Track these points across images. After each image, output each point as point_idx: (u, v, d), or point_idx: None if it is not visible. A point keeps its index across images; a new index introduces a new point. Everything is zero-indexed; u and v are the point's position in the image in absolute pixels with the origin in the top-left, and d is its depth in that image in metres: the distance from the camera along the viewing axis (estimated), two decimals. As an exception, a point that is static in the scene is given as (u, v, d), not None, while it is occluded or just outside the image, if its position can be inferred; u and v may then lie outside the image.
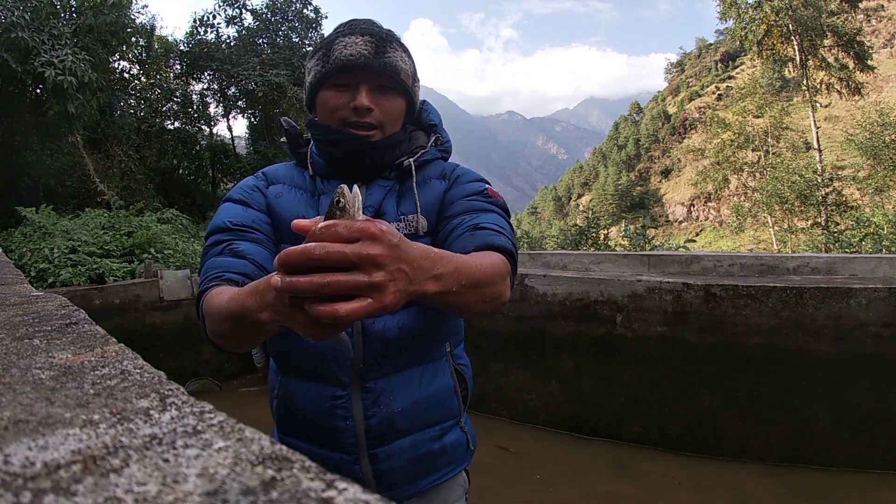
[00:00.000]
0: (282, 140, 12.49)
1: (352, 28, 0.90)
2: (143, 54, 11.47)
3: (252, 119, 13.21)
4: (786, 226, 16.79)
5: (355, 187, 0.53)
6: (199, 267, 0.88)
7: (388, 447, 0.88)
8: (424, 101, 1.04)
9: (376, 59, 0.86)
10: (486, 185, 0.95)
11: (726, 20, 19.58)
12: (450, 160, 1.03)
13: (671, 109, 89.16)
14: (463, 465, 0.99)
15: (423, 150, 0.96)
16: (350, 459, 0.87)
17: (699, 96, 78.61)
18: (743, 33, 18.56)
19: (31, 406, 0.36)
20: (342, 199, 0.51)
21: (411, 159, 0.94)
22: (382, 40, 0.88)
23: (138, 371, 0.45)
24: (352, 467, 0.87)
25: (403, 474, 0.89)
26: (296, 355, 0.91)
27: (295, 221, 0.52)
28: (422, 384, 0.91)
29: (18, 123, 7.73)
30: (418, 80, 0.96)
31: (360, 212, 0.52)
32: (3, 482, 0.24)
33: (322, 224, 0.49)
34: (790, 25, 17.40)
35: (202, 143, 13.09)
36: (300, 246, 0.48)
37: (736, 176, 21.59)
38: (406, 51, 0.92)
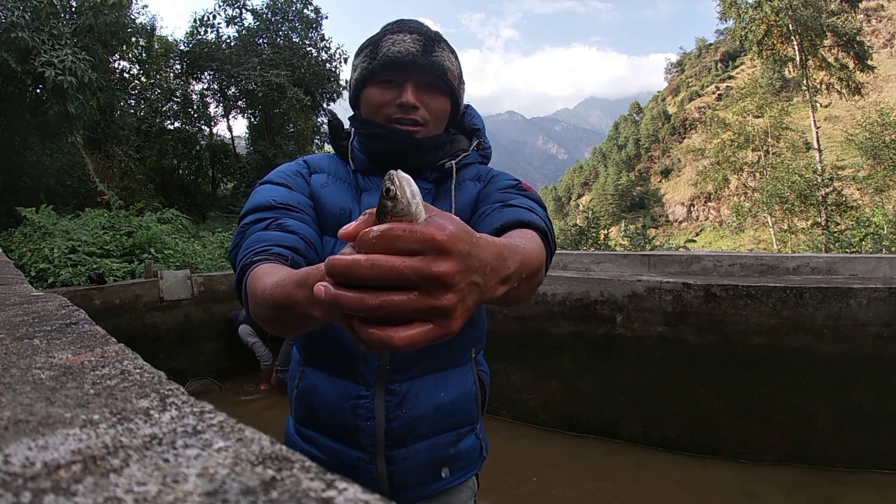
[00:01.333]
0: (289, 137, 12.50)
1: (400, 26, 0.89)
2: (143, 54, 11.47)
3: (252, 119, 13.21)
4: (786, 226, 16.79)
5: (408, 180, 0.43)
6: (231, 246, 0.81)
7: (406, 450, 0.88)
8: (468, 105, 1.04)
9: (424, 57, 0.85)
10: (520, 181, 0.95)
11: (726, 20, 19.60)
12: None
13: (671, 109, 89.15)
14: (474, 470, 0.99)
15: (465, 154, 0.96)
16: (367, 459, 0.87)
17: (699, 96, 78.60)
18: (743, 33, 18.57)
19: (31, 406, 0.36)
20: (392, 187, 0.42)
21: (453, 161, 0.94)
22: (431, 39, 0.88)
23: (138, 371, 0.45)
24: (368, 466, 0.87)
25: (417, 476, 0.90)
26: (326, 349, 0.90)
27: (341, 230, 0.44)
28: (446, 389, 0.91)
29: (18, 123, 7.72)
30: (464, 83, 0.95)
31: (416, 199, 0.41)
32: (3, 482, 0.24)
33: (376, 229, 0.39)
34: (790, 25, 17.41)
35: (202, 143, 13.10)
36: (348, 257, 0.40)
37: (736, 176, 21.60)
38: (453, 52, 0.91)
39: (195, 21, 13.00)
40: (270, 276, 0.63)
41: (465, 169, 0.97)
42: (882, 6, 60.29)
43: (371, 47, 0.88)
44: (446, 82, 0.88)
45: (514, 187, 0.91)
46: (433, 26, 0.96)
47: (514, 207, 0.80)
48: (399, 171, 0.43)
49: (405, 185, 0.41)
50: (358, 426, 0.86)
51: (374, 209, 0.43)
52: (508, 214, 0.78)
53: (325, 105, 13.76)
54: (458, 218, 0.42)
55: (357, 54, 0.93)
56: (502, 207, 0.81)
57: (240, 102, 13.13)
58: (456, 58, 0.92)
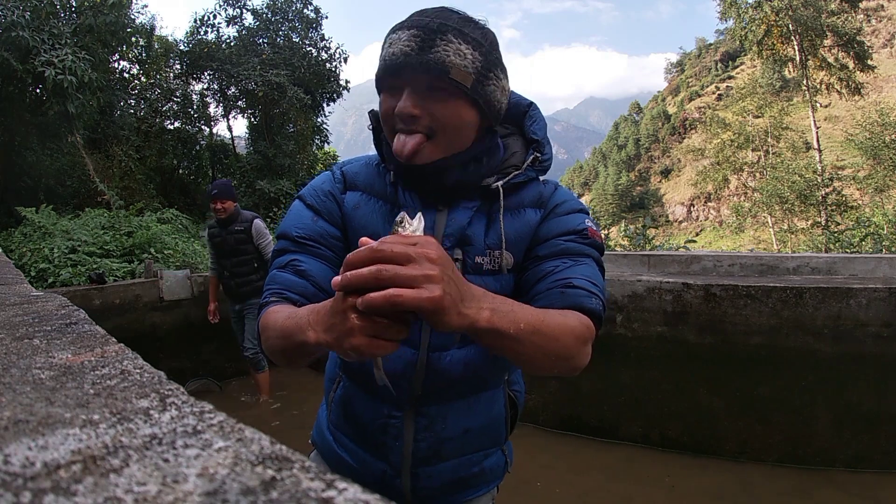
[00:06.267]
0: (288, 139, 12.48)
1: (408, 19, 0.75)
2: (143, 54, 11.46)
3: (252, 119, 13.20)
4: (786, 226, 16.80)
5: (419, 216, 0.59)
6: (271, 264, 0.87)
7: (431, 468, 0.88)
8: (531, 104, 0.88)
9: (420, 55, 0.71)
10: (587, 223, 0.83)
11: (726, 20, 19.60)
12: None
13: (671, 109, 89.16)
14: (497, 482, 0.99)
15: (516, 172, 0.82)
16: (393, 473, 0.88)
17: (699, 96, 78.61)
18: (743, 33, 18.58)
19: (31, 406, 0.36)
20: (404, 221, 0.58)
21: (500, 182, 0.80)
22: (432, 32, 0.71)
23: (138, 371, 0.45)
24: (393, 480, 0.89)
25: (440, 492, 0.90)
26: (360, 368, 0.88)
27: (363, 239, 0.55)
28: (475, 414, 0.89)
29: (18, 123, 7.72)
30: (495, 78, 0.76)
31: (418, 232, 0.58)
32: (3, 482, 0.24)
33: (386, 237, 0.54)
34: (790, 25, 17.41)
35: (202, 143, 13.09)
36: (366, 246, 0.52)
37: (736, 176, 21.60)
38: (471, 42, 0.73)
39: (195, 21, 13.00)
40: (282, 312, 0.72)
41: (524, 189, 0.84)
42: (882, 6, 60.28)
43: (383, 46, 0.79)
44: (451, 82, 0.71)
45: (580, 234, 0.81)
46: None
47: (576, 290, 0.74)
48: (407, 215, 0.59)
49: (416, 224, 0.58)
50: (386, 443, 0.87)
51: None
52: (570, 299, 0.73)
53: (325, 105, 13.77)
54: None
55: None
56: (564, 289, 0.74)
57: (240, 102, 13.12)
58: (476, 48, 0.73)
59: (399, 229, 0.57)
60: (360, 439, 0.91)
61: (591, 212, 0.96)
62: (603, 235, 0.80)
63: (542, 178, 0.88)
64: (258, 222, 3.70)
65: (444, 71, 0.71)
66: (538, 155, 0.85)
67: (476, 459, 0.91)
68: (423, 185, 0.80)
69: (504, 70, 0.78)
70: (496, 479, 0.98)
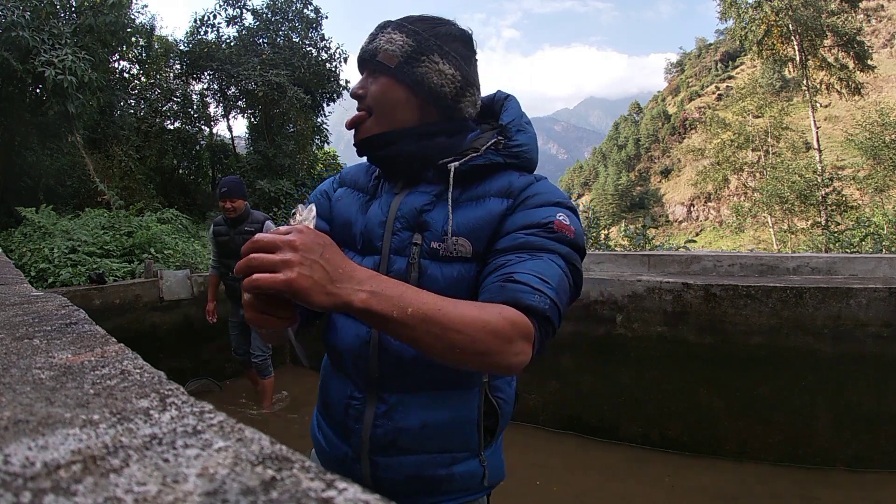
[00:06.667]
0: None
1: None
2: (143, 54, 11.45)
3: (252, 119, 13.19)
4: (786, 226, 16.80)
5: (309, 208, 0.68)
6: None
7: (390, 459, 0.86)
8: (508, 96, 0.93)
9: (365, 48, 0.85)
10: (556, 216, 0.78)
11: (726, 20, 19.59)
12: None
13: (671, 109, 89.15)
14: (477, 496, 0.91)
15: (473, 154, 0.83)
16: (353, 457, 0.88)
17: (699, 96, 78.60)
18: (743, 33, 18.57)
19: (31, 406, 0.36)
20: (296, 213, 0.68)
21: (455, 163, 0.82)
22: (379, 29, 0.86)
23: (138, 371, 0.45)
24: (354, 465, 0.88)
25: (403, 488, 0.87)
26: (331, 348, 0.93)
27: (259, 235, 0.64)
28: (438, 409, 0.85)
29: (18, 123, 7.71)
30: (428, 61, 0.82)
31: (312, 224, 0.66)
32: (3, 482, 0.24)
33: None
34: (790, 25, 17.41)
35: (202, 143, 13.08)
36: (251, 238, 0.61)
37: (736, 176, 21.60)
38: (404, 30, 0.83)
39: (195, 21, 12.98)
40: None
41: (494, 178, 0.84)
42: (882, 6, 60.27)
43: None
44: (377, 63, 0.83)
45: (544, 227, 0.77)
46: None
47: (516, 285, 0.70)
48: (302, 206, 0.69)
49: (306, 215, 0.67)
50: (348, 425, 0.88)
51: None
52: (507, 294, 0.70)
53: (325, 105, 13.77)
54: (319, 236, 0.61)
55: None
56: (505, 283, 0.71)
57: (240, 102, 13.11)
58: (409, 34, 0.82)
59: (292, 220, 0.66)
60: (331, 420, 0.93)
61: (578, 208, 0.94)
62: (575, 230, 0.71)
63: (536, 174, 0.88)
64: (269, 224, 3.59)
65: (374, 55, 0.83)
66: (502, 139, 0.86)
67: (442, 461, 0.86)
68: (387, 167, 0.89)
69: (450, 57, 0.83)
70: (474, 493, 0.90)
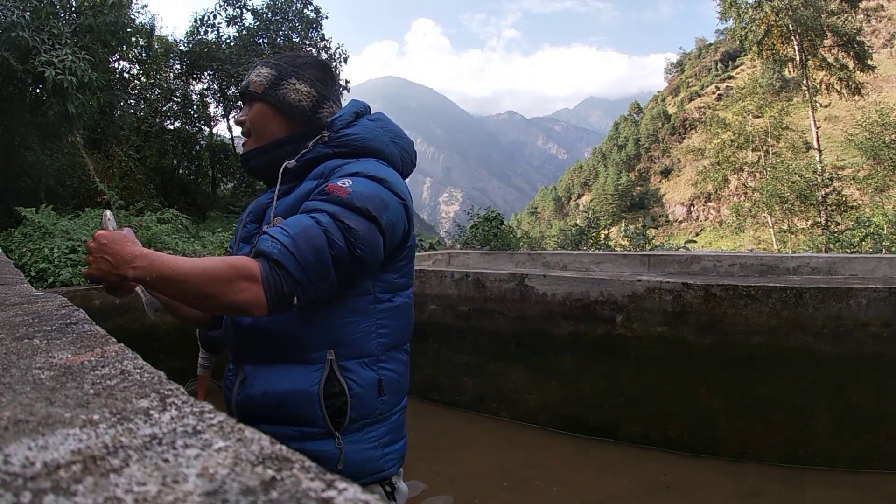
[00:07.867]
0: None
1: None
2: (143, 54, 11.45)
3: (252, 119, 13.18)
4: (786, 226, 16.79)
5: (106, 214, 0.98)
6: None
7: (251, 427, 0.92)
8: (354, 101, 1.10)
9: (242, 84, 1.08)
10: (336, 182, 0.91)
11: (726, 20, 19.60)
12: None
13: (671, 109, 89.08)
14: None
15: (304, 151, 1.01)
16: None
17: (699, 96, 78.57)
18: (743, 33, 18.56)
19: (31, 406, 0.36)
20: (103, 218, 0.96)
21: (288, 162, 1.00)
22: (253, 68, 1.07)
23: (138, 371, 0.45)
24: None
25: None
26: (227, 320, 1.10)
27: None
28: (278, 379, 0.95)
29: (18, 123, 7.71)
30: (287, 84, 1.02)
31: (111, 227, 0.92)
32: (3, 482, 0.24)
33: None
34: (790, 25, 17.40)
35: (202, 143, 13.08)
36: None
37: (736, 176, 21.58)
38: (270, 65, 1.04)
39: (195, 21, 12.98)
40: None
41: (319, 167, 1.00)
42: (882, 6, 60.26)
43: None
44: (250, 93, 1.04)
45: (321, 192, 0.92)
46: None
47: (263, 236, 0.86)
48: (108, 211, 1.00)
49: (108, 220, 0.96)
50: (226, 393, 1.05)
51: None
52: (257, 245, 0.86)
53: None
54: (118, 233, 0.84)
55: None
56: (260, 237, 0.88)
57: (240, 102, 13.11)
58: (273, 68, 1.03)
59: (102, 224, 0.94)
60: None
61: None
62: (351, 192, 0.77)
63: (375, 160, 1.00)
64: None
65: (247, 87, 1.05)
66: (327, 133, 1.02)
67: (291, 434, 0.92)
68: (255, 176, 1.10)
69: (305, 79, 1.03)
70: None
